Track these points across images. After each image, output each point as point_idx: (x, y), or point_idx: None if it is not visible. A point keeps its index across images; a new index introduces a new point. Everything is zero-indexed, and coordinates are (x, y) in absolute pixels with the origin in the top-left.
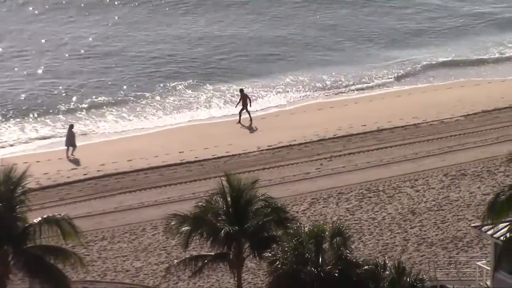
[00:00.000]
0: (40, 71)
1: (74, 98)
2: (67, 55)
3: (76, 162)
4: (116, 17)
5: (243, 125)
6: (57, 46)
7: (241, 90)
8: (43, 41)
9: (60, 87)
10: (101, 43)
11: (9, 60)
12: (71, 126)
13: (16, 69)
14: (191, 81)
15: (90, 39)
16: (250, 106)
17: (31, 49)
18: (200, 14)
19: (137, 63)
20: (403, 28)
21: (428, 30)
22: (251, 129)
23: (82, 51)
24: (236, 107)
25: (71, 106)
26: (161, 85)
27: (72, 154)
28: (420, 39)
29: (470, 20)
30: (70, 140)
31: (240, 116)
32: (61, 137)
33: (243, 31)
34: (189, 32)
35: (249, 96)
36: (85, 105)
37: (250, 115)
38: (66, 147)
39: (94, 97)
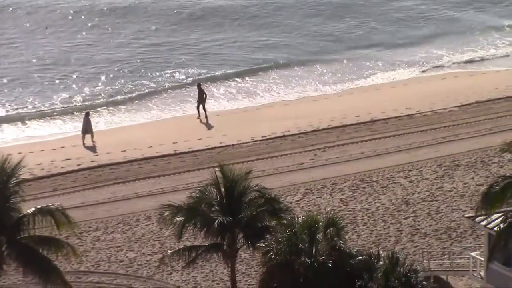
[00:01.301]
0: (35, 62)
1: (68, 89)
2: (65, 49)
3: (93, 148)
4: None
5: (202, 121)
6: (60, 43)
7: (199, 85)
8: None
9: (56, 80)
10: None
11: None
12: (87, 113)
13: (13, 62)
14: (187, 70)
15: (98, 46)
16: (205, 101)
17: (34, 48)
18: (203, 25)
19: (135, 57)
20: (401, 29)
21: (427, 31)
22: (207, 125)
23: (82, 45)
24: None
25: (66, 97)
26: (157, 75)
27: (93, 140)
28: (420, 39)
29: (466, 23)
30: (87, 126)
31: (198, 111)
32: (56, 130)
33: (241, 33)
34: (190, 33)
35: (205, 92)
36: (79, 96)
37: (205, 111)
38: (82, 134)
39: (89, 88)
